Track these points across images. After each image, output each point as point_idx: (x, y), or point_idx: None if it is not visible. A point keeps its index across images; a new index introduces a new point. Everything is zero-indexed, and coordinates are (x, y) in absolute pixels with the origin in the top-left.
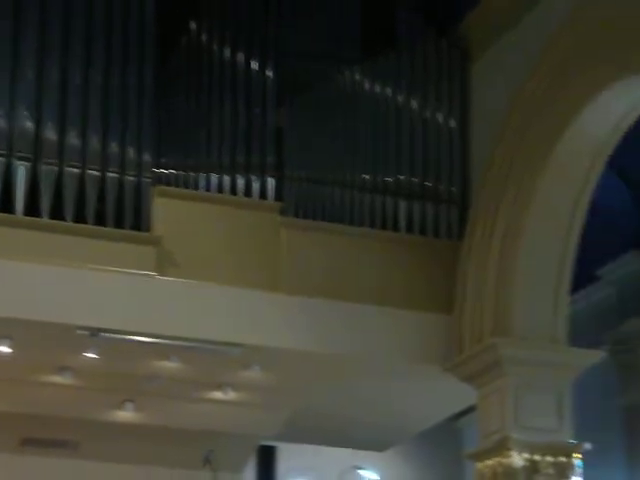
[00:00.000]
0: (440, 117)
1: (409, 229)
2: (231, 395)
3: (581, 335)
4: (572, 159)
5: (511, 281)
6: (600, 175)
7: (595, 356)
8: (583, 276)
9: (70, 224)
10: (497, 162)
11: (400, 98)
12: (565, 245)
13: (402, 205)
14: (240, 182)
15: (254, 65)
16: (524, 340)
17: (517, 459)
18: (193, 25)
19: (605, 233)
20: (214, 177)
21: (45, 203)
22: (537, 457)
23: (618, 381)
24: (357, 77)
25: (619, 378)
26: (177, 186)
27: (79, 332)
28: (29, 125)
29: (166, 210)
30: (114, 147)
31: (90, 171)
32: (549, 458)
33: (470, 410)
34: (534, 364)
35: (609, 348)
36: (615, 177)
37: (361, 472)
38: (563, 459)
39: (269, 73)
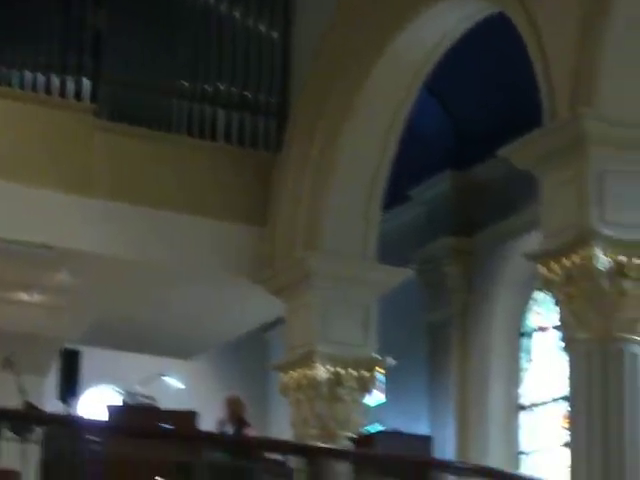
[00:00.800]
0: (263, 27)
1: (227, 139)
2: (36, 297)
3: (391, 253)
4: (390, 78)
5: (324, 196)
6: (417, 97)
7: (402, 274)
8: (396, 195)
9: None
10: (317, 76)
11: (223, 7)
12: (379, 164)
13: (221, 114)
14: (55, 82)
15: None
16: (334, 255)
17: (321, 371)
18: None
19: (421, 155)
20: (28, 75)
21: None
22: (341, 370)
23: (424, 299)
24: None
25: (425, 296)
26: None
27: None
28: None
29: None
30: None
31: None
32: (352, 372)
33: (279, 322)
34: (343, 279)
35: (417, 267)
36: (434, 102)
37: (165, 379)
38: (366, 373)
39: None
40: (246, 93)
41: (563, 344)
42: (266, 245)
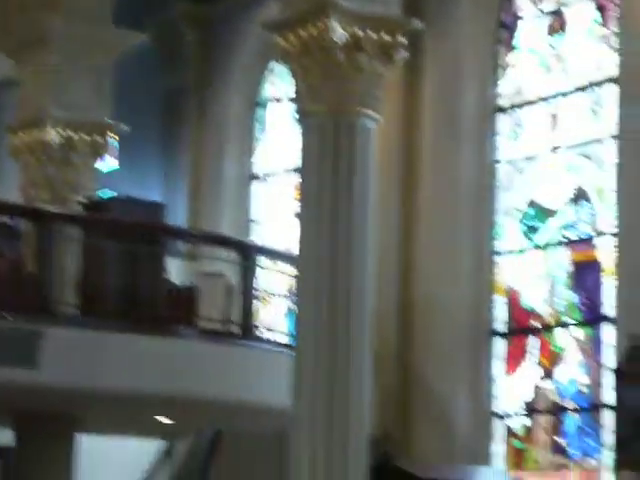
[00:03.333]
0: None
1: None
2: None
3: (127, 16)
4: None
5: None
6: None
7: (137, 38)
8: None
9: None
10: None
11: None
12: None
13: None
14: None
15: None
16: (70, 16)
17: (52, 134)
18: None
19: None
20: None
21: None
22: (73, 134)
23: (161, 66)
24: None
25: (162, 63)
26: None
27: None
28: None
29: None
30: None
31: None
32: (85, 136)
33: (12, 83)
34: (78, 41)
35: (153, 32)
36: None
37: None
38: (99, 138)
39: None
40: None
41: (297, 116)
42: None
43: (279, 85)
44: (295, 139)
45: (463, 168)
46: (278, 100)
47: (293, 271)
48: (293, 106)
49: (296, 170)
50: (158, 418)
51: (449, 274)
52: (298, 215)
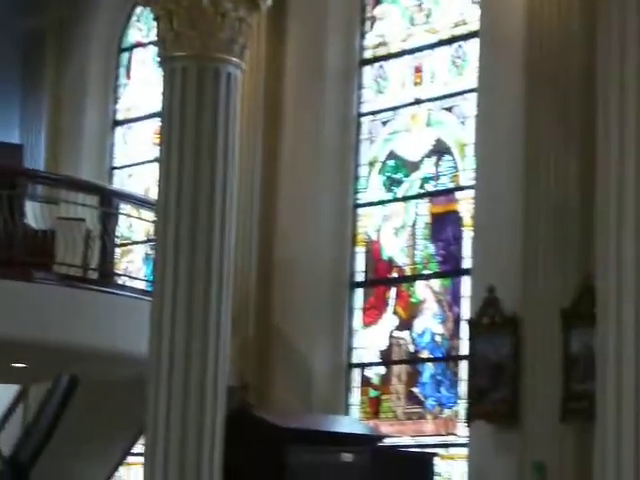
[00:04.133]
0: None
1: None
2: None
3: None
4: None
5: None
6: None
7: None
8: None
9: None
10: None
11: None
12: None
13: None
14: None
15: None
16: None
17: None
18: None
19: None
20: None
21: None
22: None
23: (19, 4)
24: None
25: (20, 2)
26: None
27: None
28: None
29: None
30: None
31: None
32: None
33: None
34: None
35: None
36: None
37: None
38: None
39: None
40: None
41: (160, 61)
42: None
43: (144, 29)
44: (158, 85)
45: (327, 120)
46: (143, 45)
47: (153, 217)
48: (157, 51)
49: (157, 115)
50: (12, 364)
51: (310, 226)
52: (159, 161)
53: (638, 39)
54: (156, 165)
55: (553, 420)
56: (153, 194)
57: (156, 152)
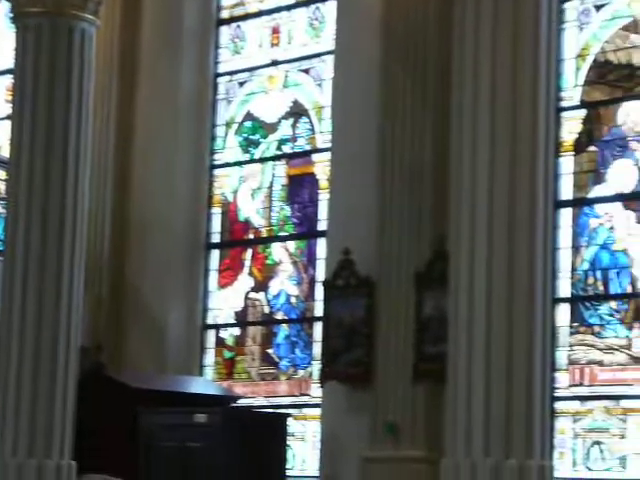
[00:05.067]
0: None
1: None
2: None
3: None
4: None
5: None
6: None
7: None
8: None
9: None
10: None
11: None
12: None
13: None
14: None
15: None
16: None
17: None
18: None
19: None
20: None
21: None
22: None
23: None
24: None
25: None
26: None
27: None
28: None
29: None
30: None
31: None
32: None
33: None
34: None
35: None
36: None
37: None
38: None
39: None
40: None
41: (12, 17)
42: None
43: None
44: (10, 41)
45: (183, 80)
46: None
47: (4, 176)
48: (9, 6)
49: (10, 72)
50: None
51: (166, 186)
52: (10, 117)
53: None
54: (8, 123)
55: (405, 381)
56: (5, 152)
57: (8, 109)
